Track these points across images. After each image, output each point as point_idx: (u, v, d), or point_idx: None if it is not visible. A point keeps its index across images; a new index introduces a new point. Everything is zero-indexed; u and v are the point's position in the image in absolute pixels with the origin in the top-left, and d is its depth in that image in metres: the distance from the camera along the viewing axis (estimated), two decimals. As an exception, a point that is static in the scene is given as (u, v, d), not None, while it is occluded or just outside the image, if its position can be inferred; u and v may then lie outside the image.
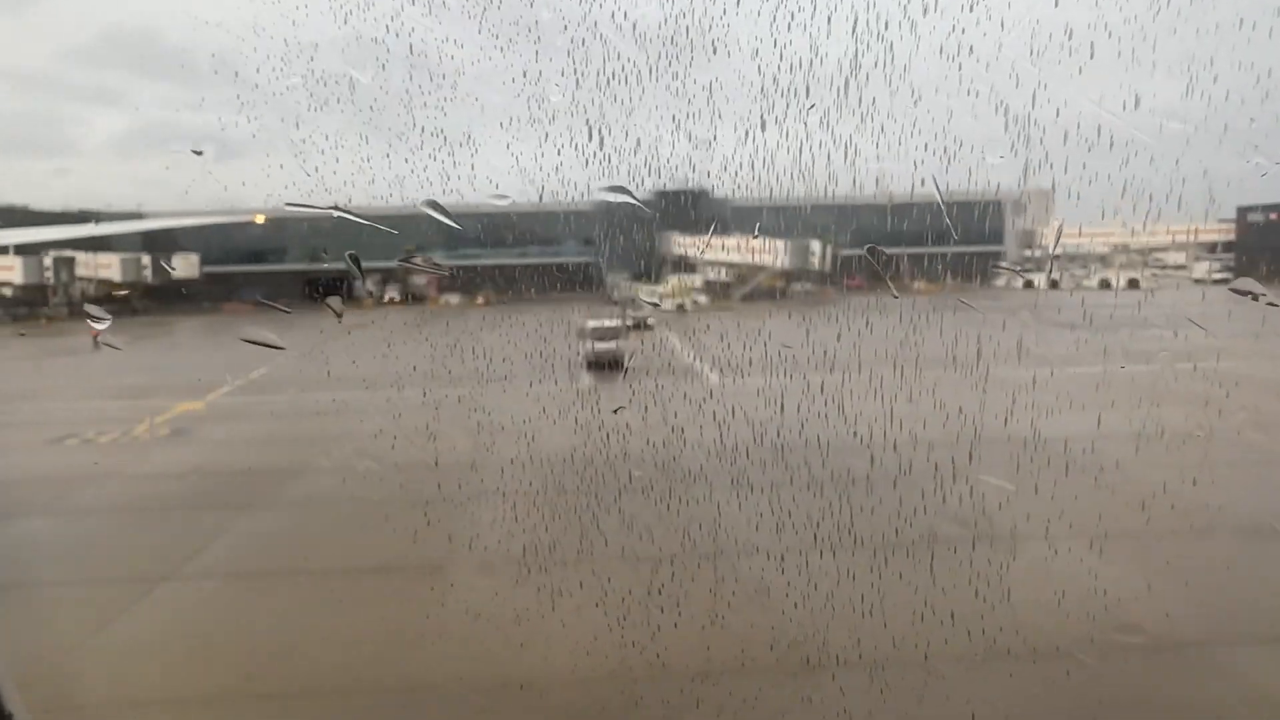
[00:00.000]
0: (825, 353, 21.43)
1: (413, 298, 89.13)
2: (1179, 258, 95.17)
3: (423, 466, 21.84)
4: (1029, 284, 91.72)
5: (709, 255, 74.97)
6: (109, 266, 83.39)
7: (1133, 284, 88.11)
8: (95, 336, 54.15)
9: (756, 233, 74.91)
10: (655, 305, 65.40)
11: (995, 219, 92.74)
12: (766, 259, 78.97)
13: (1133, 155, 13.31)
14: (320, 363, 31.04)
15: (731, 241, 71.96)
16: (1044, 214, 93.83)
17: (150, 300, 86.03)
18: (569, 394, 30.71)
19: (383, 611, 17.53)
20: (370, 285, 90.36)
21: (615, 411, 20.11)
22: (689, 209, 70.97)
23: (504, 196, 16.19)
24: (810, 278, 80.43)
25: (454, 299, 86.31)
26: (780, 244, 79.25)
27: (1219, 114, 13.75)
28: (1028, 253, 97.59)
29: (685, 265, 76.37)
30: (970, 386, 22.00)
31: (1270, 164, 14.06)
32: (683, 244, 77.46)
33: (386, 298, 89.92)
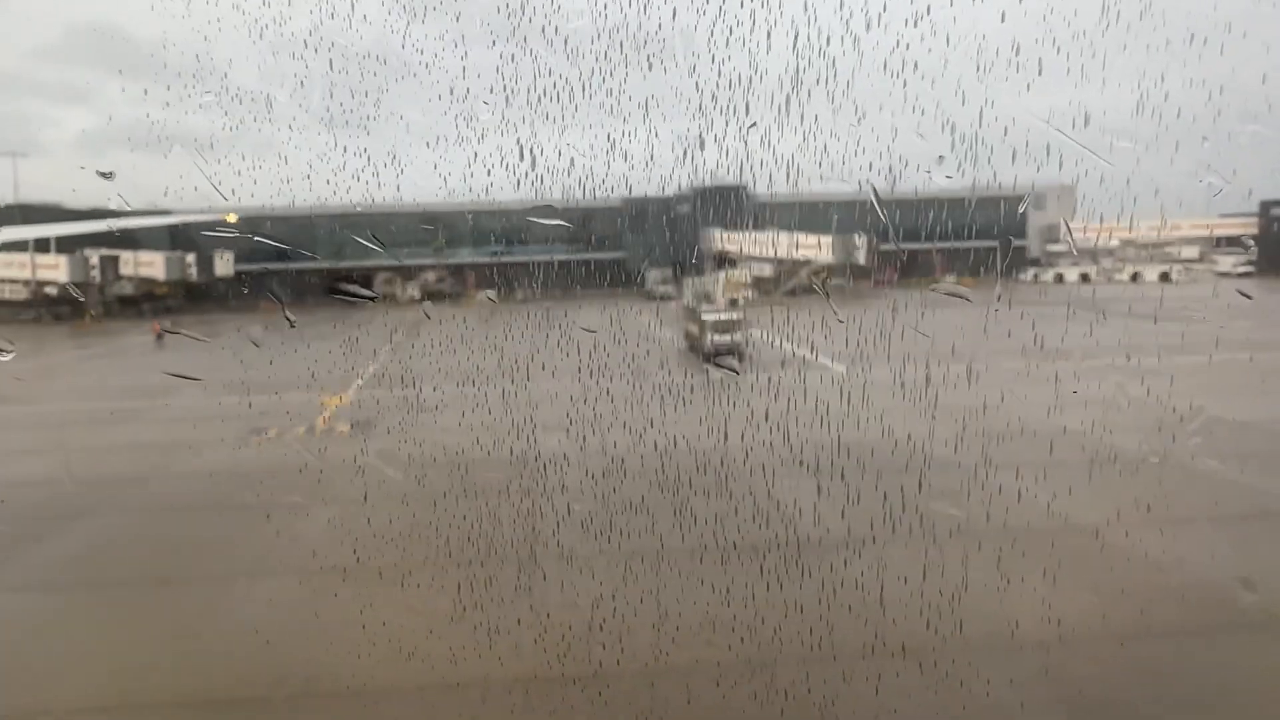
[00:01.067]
0: (939, 346, 24.05)
1: (448, 295, 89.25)
2: (1199, 252, 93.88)
3: (696, 447, 21.70)
4: (1059, 278, 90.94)
5: (751, 250, 74.24)
6: (152, 265, 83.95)
7: (1164, 278, 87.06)
8: (158, 333, 54.74)
9: (797, 228, 73.95)
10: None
11: (1018, 215, 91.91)
12: (811, 254, 78.25)
13: (1084, 174, 12.89)
14: (419, 358, 30.98)
15: (774, 236, 70.54)
16: (1066, 209, 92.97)
17: (183, 299, 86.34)
18: (738, 386, 32.23)
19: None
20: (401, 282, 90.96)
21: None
22: (726, 205, 70.87)
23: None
24: (855, 272, 79.76)
25: (490, 295, 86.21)
26: (825, 239, 78.52)
27: (1170, 131, 13.33)
28: (1050, 248, 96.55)
29: (726, 261, 75.97)
30: (1136, 377, 25.12)
31: (1222, 182, 13.65)
32: (724, 240, 76.97)
33: (417, 295, 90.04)
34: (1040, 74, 13.28)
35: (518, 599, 15.29)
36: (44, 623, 15.76)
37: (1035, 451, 22.77)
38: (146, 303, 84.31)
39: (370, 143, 15.65)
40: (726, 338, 40.99)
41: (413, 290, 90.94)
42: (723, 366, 37.15)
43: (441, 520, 17.46)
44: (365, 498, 19.83)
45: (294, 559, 18.01)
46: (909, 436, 21.20)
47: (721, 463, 21.80)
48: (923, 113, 13.75)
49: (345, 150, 15.25)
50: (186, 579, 17.64)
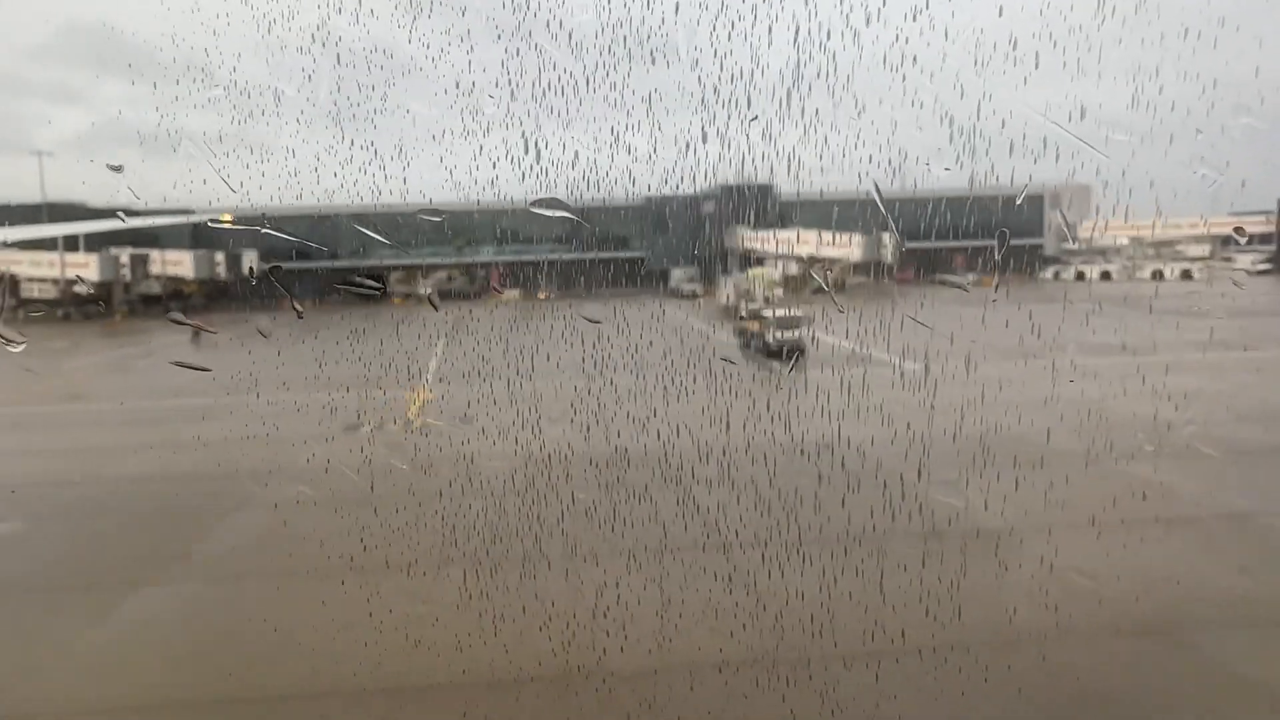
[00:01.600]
0: (994, 341, 27.35)
1: (471, 294, 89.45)
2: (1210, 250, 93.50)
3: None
4: (1080, 275, 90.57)
5: (777, 249, 74.22)
6: (180, 263, 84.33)
7: (1186, 275, 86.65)
8: (197, 330, 55.14)
9: (823, 225, 73.82)
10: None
11: (1034, 213, 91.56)
12: (840, 252, 78.19)
13: (1079, 167, 12.97)
14: (476, 355, 31.05)
15: (800, 234, 70.50)
16: (1083, 208, 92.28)
17: (210, 298, 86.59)
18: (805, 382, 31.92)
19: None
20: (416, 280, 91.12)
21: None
22: (752, 204, 70.77)
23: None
24: (882, 270, 79.65)
25: (514, 294, 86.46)
26: (854, 237, 78.44)
27: (1165, 124, 13.39)
28: (1067, 246, 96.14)
29: (753, 259, 75.92)
30: (1218, 371, 24.55)
31: (1215, 175, 13.71)
32: (750, 238, 76.91)
33: (442, 292, 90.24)
34: (1037, 68, 13.36)
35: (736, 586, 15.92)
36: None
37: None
38: (174, 301, 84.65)
39: (377, 137, 15.71)
40: (792, 334, 41.68)
41: (438, 288, 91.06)
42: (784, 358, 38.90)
43: (618, 510, 18.09)
44: (515, 487, 20.20)
45: (524, 546, 17.88)
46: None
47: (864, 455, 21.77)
48: (921, 106, 13.91)
49: (352, 144, 15.33)
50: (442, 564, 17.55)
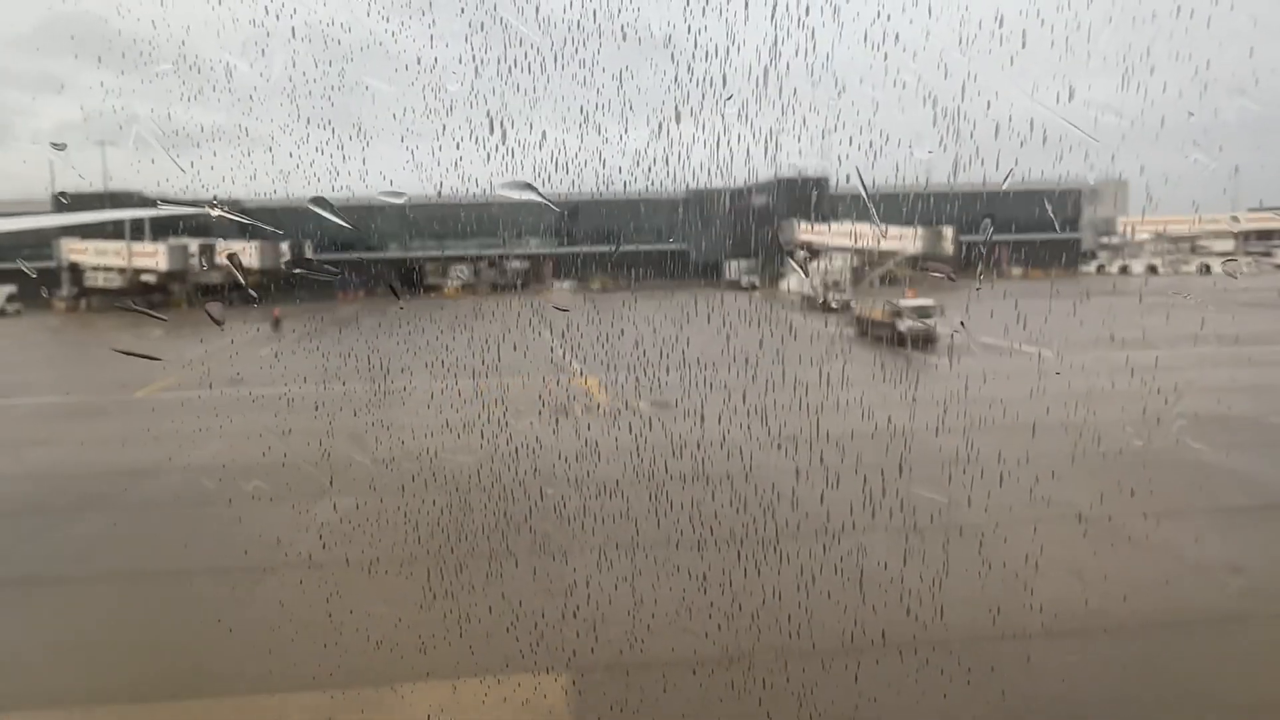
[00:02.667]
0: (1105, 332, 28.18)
1: (521, 285, 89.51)
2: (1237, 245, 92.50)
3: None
4: (1125, 270, 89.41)
5: (836, 241, 73.68)
6: (244, 253, 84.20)
7: (1229, 271, 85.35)
8: (276, 318, 55.75)
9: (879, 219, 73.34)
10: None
11: (1073, 208, 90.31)
12: (900, 244, 77.52)
13: (1067, 150, 12.38)
14: (586, 342, 30.88)
15: (859, 228, 70.11)
16: (1120, 204, 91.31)
17: (266, 288, 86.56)
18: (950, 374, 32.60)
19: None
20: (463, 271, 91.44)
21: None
22: (807, 196, 70.40)
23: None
24: (943, 263, 79.02)
25: (566, 285, 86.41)
26: (915, 230, 77.79)
27: (1156, 107, 12.75)
28: (1105, 240, 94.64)
29: (811, 251, 75.49)
30: None
31: (1209, 160, 13.06)
32: (808, 231, 76.28)
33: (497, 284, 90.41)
34: (1024, 47, 12.87)
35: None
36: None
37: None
38: (233, 290, 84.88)
39: (335, 114, 15.27)
40: (922, 324, 42.25)
41: (490, 279, 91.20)
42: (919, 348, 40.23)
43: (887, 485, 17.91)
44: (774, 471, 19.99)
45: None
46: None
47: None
48: (904, 86, 13.28)
49: (309, 123, 14.91)
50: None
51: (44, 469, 26.12)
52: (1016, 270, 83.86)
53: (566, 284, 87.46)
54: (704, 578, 15.21)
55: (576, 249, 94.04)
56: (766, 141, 13.27)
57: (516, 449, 21.47)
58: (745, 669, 12.50)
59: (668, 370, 25.11)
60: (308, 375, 32.92)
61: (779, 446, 20.50)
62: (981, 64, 12.47)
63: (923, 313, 42.70)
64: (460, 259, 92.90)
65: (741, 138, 13.14)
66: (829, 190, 71.63)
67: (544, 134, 13.35)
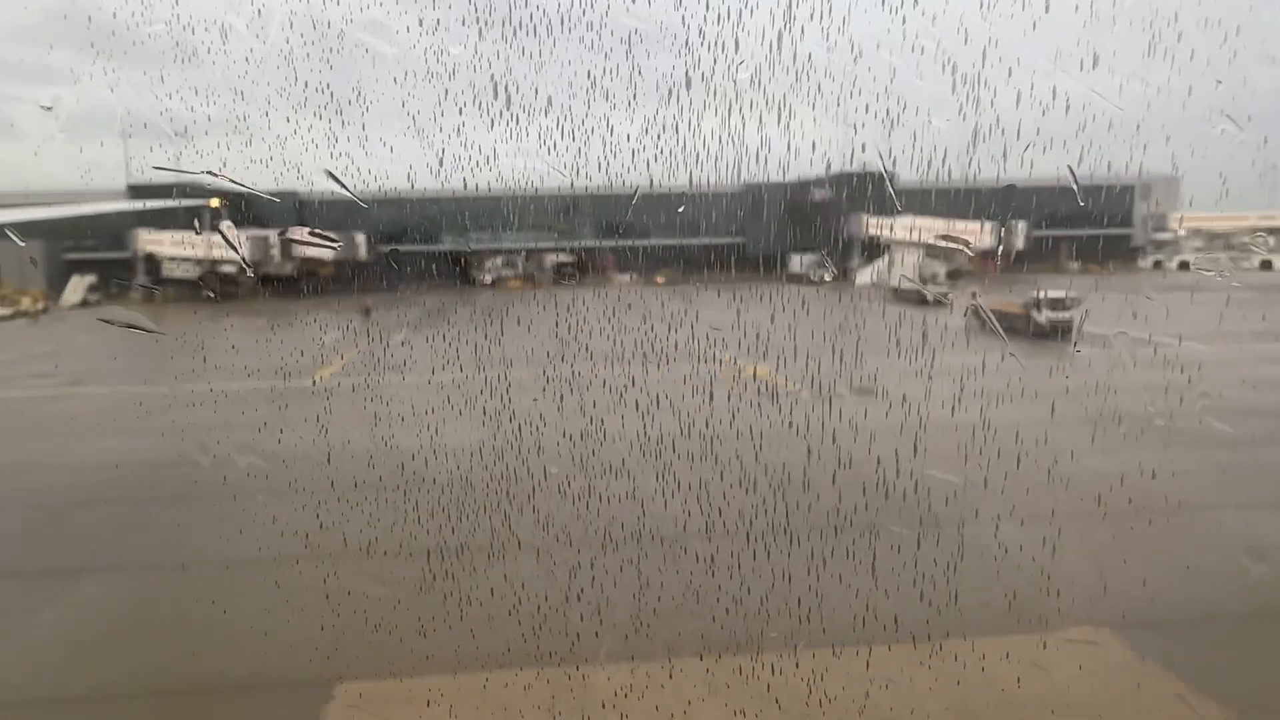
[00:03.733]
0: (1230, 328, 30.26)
1: (577, 277, 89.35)
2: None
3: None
4: (1184, 265, 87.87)
5: (904, 236, 73.00)
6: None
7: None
8: (368, 309, 56.10)
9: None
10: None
11: (1125, 203, 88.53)
12: (971, 239, 76.54)
13: (1090, 120, 11.74)
14: (697, 332, 30.60)
15: (926, 222, 69.21)
16: (1172, 199, 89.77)
17: (343, 280, 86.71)
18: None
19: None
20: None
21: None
22: (871, 191, 69.81)
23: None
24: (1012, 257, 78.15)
25: (628, 278, 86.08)
26: (985, 225, 76.73)
27: (1183, 75, 12.05)
28: (1158, 236, 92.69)
29: (877, 246, 74.76)
30: None
31: (1237, 130, 12.32)
32: (875, 225, 75.70)
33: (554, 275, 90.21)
34: (1047, 11, 12.16)
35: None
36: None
37: None
38: (305, 281, 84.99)
39: (334, 78, 14.87)
40: (1063, 315, 42.64)
41: (550, 272, 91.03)
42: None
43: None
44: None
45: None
46: None
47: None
48: (922, 52, 12.57)
49: (306, 86, 14.53)
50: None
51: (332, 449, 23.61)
52: (1074, 265, 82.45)
53: (628, 276, 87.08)
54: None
55: (632, 242, 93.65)
56: (779, 108, 12.75)
57: (766, 430, 21.09)
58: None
59: (821, 360, 24.70)
60: (451, 361, 32.87)
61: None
62: (1003, 29, 11.88)
63: (1062, 304, 43.15)
64: (514, 251, 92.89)
65: (754, 104, 12.63)
66: (893, 185, 70.72)
67: (549, 100, 12.92)
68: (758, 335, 24.95)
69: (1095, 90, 11.06)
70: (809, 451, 17.68)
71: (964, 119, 12.77)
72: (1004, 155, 12.80)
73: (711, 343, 33.22)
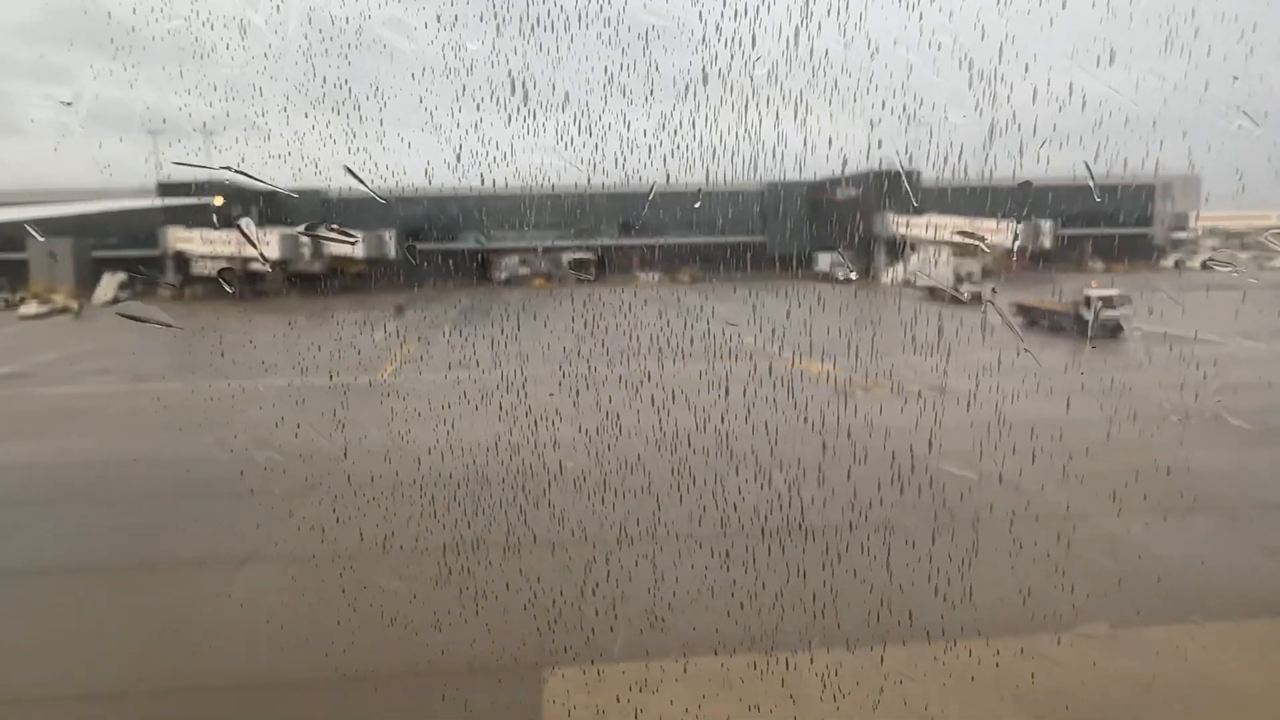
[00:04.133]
0: None
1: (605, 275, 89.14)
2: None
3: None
4: (1206, 265, 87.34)
5: (930, 234, 72.61)
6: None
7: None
8: (399, 307, 56.18)
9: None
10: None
11: (1145, 202, 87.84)
12: (999, 238, 76.15)
13: (1106, 115, 11.66)
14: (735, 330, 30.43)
15: (955, 221, 68.94)
16: (1192, 198, 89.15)
17: (368, 278, 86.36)
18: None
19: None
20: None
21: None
22: (898, 189, 69.60)
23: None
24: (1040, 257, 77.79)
25: (653, 276, 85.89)
26: (1010, 224, 76.42)
27: (1200, 70, 11.95)
28: (1178, 235, 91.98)
29: (904, 245, 74.61)
30: None
31: (1254, 125, 12.22)
32: (901, 224, 75.36)
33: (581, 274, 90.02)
34: (1064, 7, 12.06)
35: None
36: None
37: None
38: (333, 279, 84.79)
39: (351, 74, 14.87)
40: (1114, 312, 42.95)
41: (573, 269, 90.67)
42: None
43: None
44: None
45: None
46: None
47: None
48: (939, 48, 12.47)
49: (325, 82, 14.52)
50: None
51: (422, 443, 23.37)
52: (1098, 264, 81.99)
53: (654, 275, 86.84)
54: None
55: (653, 240, 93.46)
56: (796, 104, 12.70)
57: (858, 429, 20.70)
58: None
59: (875, 356, 24.60)
60: (506, 358, 32.44)
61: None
62: (1020, 25, 11.79)
63: (1110, 302, 43.47)
64: (531, 250, 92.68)
65: (770, 100, 12.58)
66: (919, 183, 70.29)
67: (567, 95, 12.89)
68: (795, 330, 24.95)
69: (1112, 86, 10.99)
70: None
71: (980, 115, 12.70)
72: (1020, 151, 12.71)
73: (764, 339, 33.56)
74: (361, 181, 11.56)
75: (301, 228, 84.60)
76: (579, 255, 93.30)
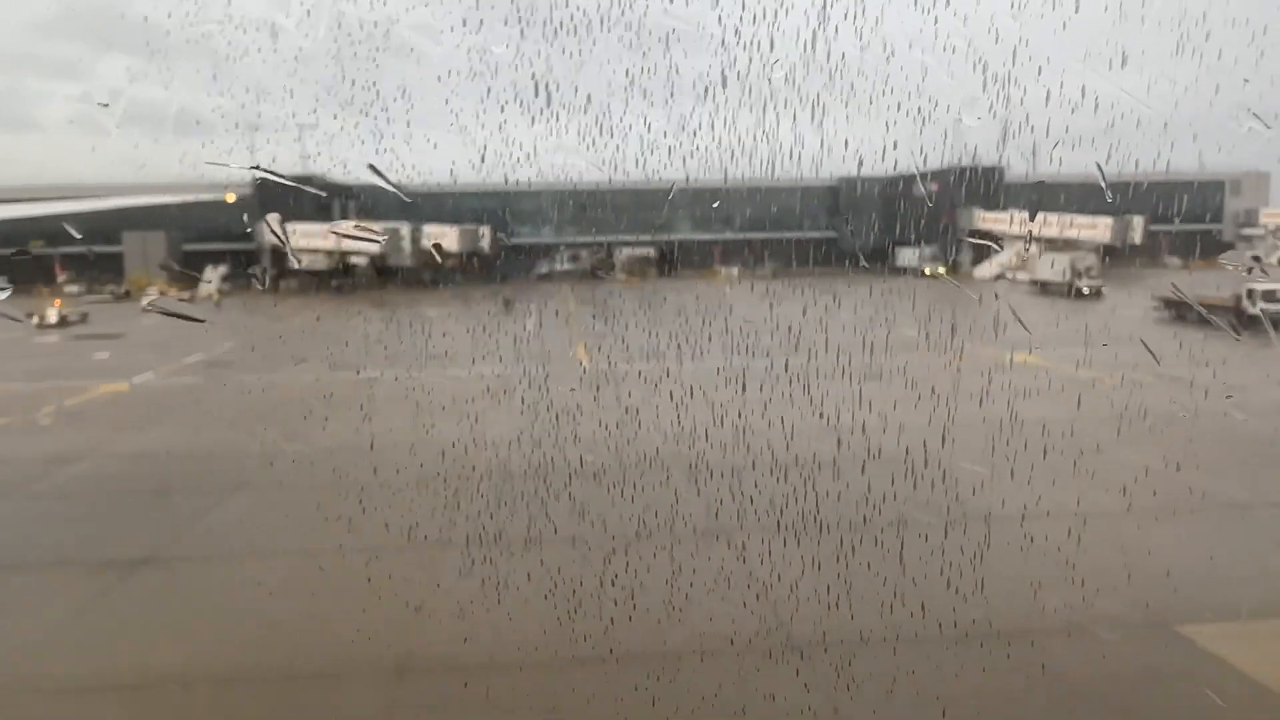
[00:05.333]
0: None
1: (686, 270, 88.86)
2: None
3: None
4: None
5: (1018, 230, 71.86)
6: (444, 237, 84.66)
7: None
8: (506, 300, 57.04)
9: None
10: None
11: (1215, 199, 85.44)
12: (1090, 234, 74.78)
13: (1119, 118, 11.64)
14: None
15: (1043, 217, 68.44)
16: (1261, 195, 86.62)
17: (462, 272, 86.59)
18: None
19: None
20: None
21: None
22: (982, 185, 68.69)
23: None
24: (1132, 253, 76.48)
25: (734, 270, 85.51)
26: (1104, 220, 74.86)
27: (1211, 74, 11.86)
28: (1247, 231, 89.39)
29: (990, 241, 73.89)
30: None
31: (1264, 127, 12.02)
32: (987, 220, 74.33)
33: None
34: (1077, 11, 11.97)
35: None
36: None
37: None
38: (426, 273, 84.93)
39: (379, 76, 15.17)
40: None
41: (657, 264, 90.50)
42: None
43: None
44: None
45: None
46: None
47: None
48: (954, 51, 12.43)
49: (354, 84, 14.84)
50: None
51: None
52: (1174, 260, 79.94)
53: (734, 269, 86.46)
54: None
55: (731, 236, 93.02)
56: (813, 106, 12.76)
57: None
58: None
59: (1065, 347, 24.42)
60: (660, 353, 30.00)
61: None
62: (1033, 29, 11.74)
63: (1274, 296, 43.44)
64: (626, 245, 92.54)
65: (788, 102, 12.64)
66: (1003, 179, 69.26)
67: (589, 97, 13.07)
68: (936, 325, 24.31)
69: (1124, 89, 10.90)
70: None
71: (994, 117, 12.67)
72: (1033, 152, 12.64)
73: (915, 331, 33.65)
74: (384, 178, 11.84)
75: (408, 226, 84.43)
76: (640, 252, 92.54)
